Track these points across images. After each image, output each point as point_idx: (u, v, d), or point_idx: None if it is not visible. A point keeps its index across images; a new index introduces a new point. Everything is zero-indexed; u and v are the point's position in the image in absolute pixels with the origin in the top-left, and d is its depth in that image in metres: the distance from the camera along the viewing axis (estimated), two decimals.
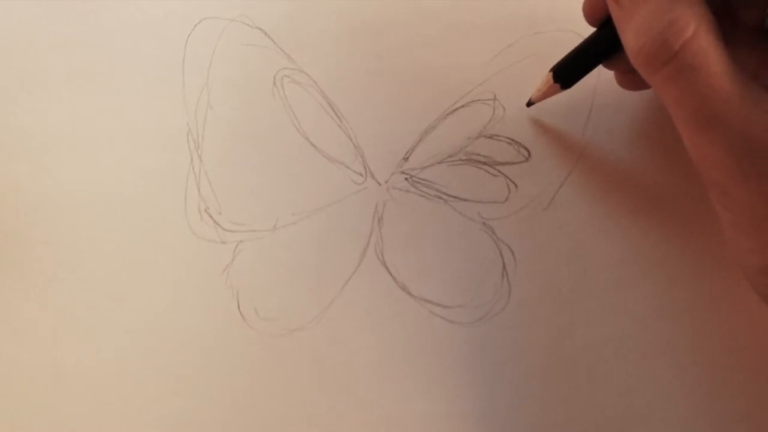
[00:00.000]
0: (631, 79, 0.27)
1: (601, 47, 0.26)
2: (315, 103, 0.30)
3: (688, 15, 0.21)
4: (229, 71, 0.30)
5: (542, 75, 0.28)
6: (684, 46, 0.21)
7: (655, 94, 0.23)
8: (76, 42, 0.30)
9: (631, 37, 0.22)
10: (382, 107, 0.30)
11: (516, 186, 0.29)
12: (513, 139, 0.29)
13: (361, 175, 0.29)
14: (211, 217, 0.29)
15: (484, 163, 0.29)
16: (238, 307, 0.28)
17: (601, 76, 0.29)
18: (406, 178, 0.29)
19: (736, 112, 0.21)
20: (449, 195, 0.29)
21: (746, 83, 0.21)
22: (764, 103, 0.21)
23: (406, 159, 0.29)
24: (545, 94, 0.28)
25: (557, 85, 0.27)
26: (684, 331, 0.28)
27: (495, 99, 0.29)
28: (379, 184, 0.29)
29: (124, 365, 0.28)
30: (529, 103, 0.29)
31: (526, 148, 0.29)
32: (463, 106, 0.30)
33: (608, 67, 0.27)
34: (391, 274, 0.29)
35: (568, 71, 0.27)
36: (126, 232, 0.29)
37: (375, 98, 0.30)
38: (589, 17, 0.26)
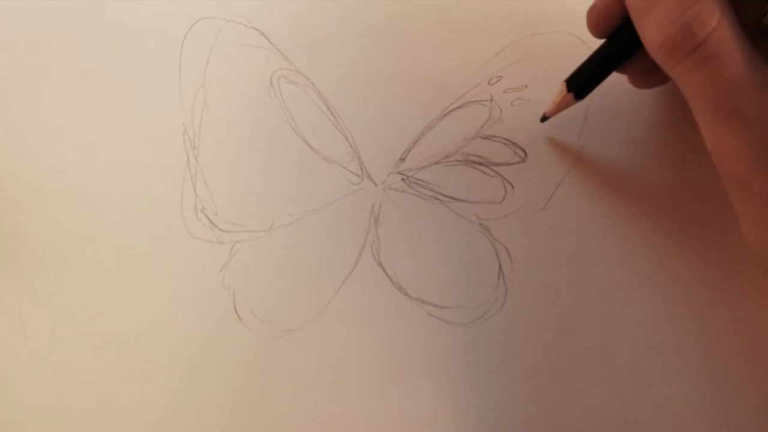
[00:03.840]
0: (644, 79, 0.27)
1: (614, 55, 0.26)
2: (312, 104, 0.30)
3: (712, 6, 0.21)
4: (226, 71, 0.30)
5: (538, 77, 0.28)
6: (709, 36, 0.21)
7: (675, 85, 0.23)
8: (73, 41, 0.30)
9: (653, 28, 0.22)
10: (379, 108, 0.30)
11: (512, 187, 0.29)
12: (509, 140, 0.29)
13: (357, 175, 0.29)
14: (207, 217, 0.29)
15: (481, 164, 0.29)
16: (235, 308, 0.28)
17: None
18: (402, 179, 0.29)
19: (758, 102, 0.21)
20: (446, 195, 0.29)
21: (766, 74, 0.21)
22: None
23: (402, 159, 0.29)
24: (559, 107, 0.28)
25: (570, 96, 0.27)
26: (681, 332, 0.28)
27: (492, 100, 0.29)
28: (376, 185, 0.29)
29: (120, 365, 0.28)
30: (544, 118, 0.29)
31: (523, 149, 0.29)
32: (459, 107, 0.30)
33: (621, 72, 0.27)
34: (387, 275, 0.29)
35: (581, 81, 0.27)
36: (122, 232, 0.29)
37: (372, 99, 0.30)
38: (597, 30, 0.26)
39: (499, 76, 0.30)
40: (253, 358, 0.28)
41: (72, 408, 0.28)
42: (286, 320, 0.28)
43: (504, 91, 0.29)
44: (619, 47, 0.25)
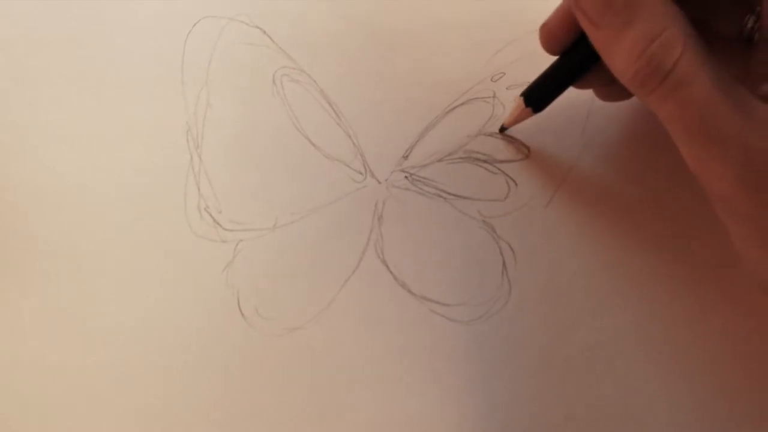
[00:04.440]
0: (607, 92, 0.27)
1: (569, 71, 0.26)
2: (314, 102, 0.30)
3: (676, 33, 0.21)
4: (229, 70, 0.30)
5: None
6: (676, 65, 0.21)
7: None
8: (76, 40, 0.30)
9: (621, 62, 0.22)
10: (382, 105, 0.30)
11: (516, 184, 0.29)
12: (513, 137, 0.29)
13: (360, 173, 0.29)
14: (211, 216, 0.29)
15: (484, 161, 0.29)
16: (239, 306, 0.28)
17: None
18: (405, 177, 0.29)
19: (732, 124, 0.21)
20: (449, 193, 0.29)
21: (738, 93, 0.21)
22: (758, 112, 0.21)
23: (405, 157, 0.29)
24: (517, 119, 0.28)
25: (529, 110, 0.27)
26: (684, 330, 0.28)
27: (494, 97, 0.30)
28: (379, 183, 0.29)
29: (123, 364, 0.28)
30: (502, 129, 0.29)
31: (526, 146, 0.29)
32: (462, 104, 0.30)
33: (579, 87, 0.27)
34: (391, 273, 0.29)
35: (538, 96, 0.27)
36: (126, 231, 0.29)
37: (374, 96, 0.30)
38: (549, 47, 0.26)
39: (501, 73, 0.30)
40: (257, 356, 0.28)
41: (73, 408, 0.28)
42: (290, 318, 0.28)
43: (507, 88, 0.30)
44: (573, 63, 0.26)
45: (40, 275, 0.29)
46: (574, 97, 0.29)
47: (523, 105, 0.27)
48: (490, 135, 0.29)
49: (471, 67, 0.30)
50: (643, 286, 0.28)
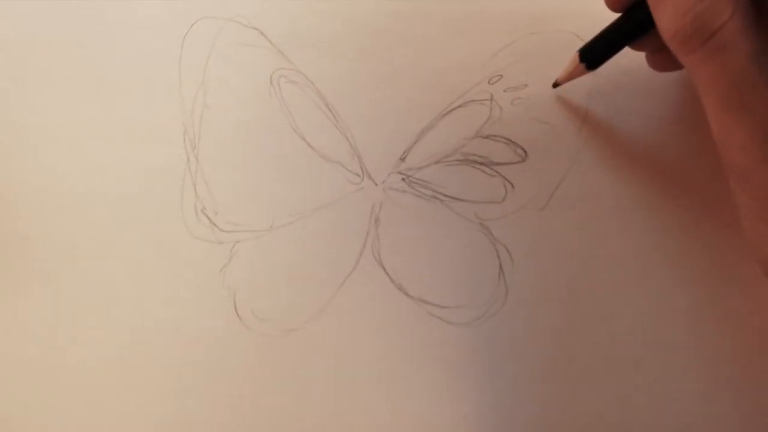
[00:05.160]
0: (659, 59, 0.27)
1: (629, 29, 0.26)
2: (312, 103, 0.30)
3: None
4: (226, 71, 0.30)
5: (539, 77, 0.28)
6: (721, 29, 0.21)
7: (686, 75, 0.23)
8: (73, 41, 0.30)
9: (667, 17, 0.22)
10: (379, 107, 0.30)
11: (513, 186, 0.29)
12: (510, 140, 0.29)
13: (357, 175, 0.29)
14: (207, 217, 0.29)
15: (481, 164, 0.29)
16: (235, 308, 0.28)
17: (597, 77, 0.29)
18: (402, 179, 0.29)
19: (763, 96, 0.21)
20: (446, 195, 0.29)
21: None
22: None
23: (402, 159, 0.29)
24: (571, 75, 0.28)
25: (582, 66, 0.27)
26: (682, 331, 0.28)
27: (492, 99, 0.29)
28: (376, 185, 0.29)
29: (120, 365, 0.28)
30: (555, 84, 0.29)
31: (523, 149, 0.29)
32: (459, 106, 0.30)
33: (635, 48, 0.27)
34: (388, 275, 0.29)
35: (594, 52, 0.27)
36: (122, 232, 0.29)
37: (372, 98, 0.30)
38: (612, 3, 0.26)
39: (499, 75, 0.30)
40: (254, 357, 0.28)
41: (72, 409, 0.28)
42: (287, 320, 0.28)
43: (504, 91, 0.29)
44: (633, 23, 0.25)
45: (37, 276, 0.29)
46: (571, 100, 0.29)
47: (578, 61, 0.27)
48: (488, 137, 0.29)
49: (468, 69, 0.30)
50: (640, 287, 0.28)
